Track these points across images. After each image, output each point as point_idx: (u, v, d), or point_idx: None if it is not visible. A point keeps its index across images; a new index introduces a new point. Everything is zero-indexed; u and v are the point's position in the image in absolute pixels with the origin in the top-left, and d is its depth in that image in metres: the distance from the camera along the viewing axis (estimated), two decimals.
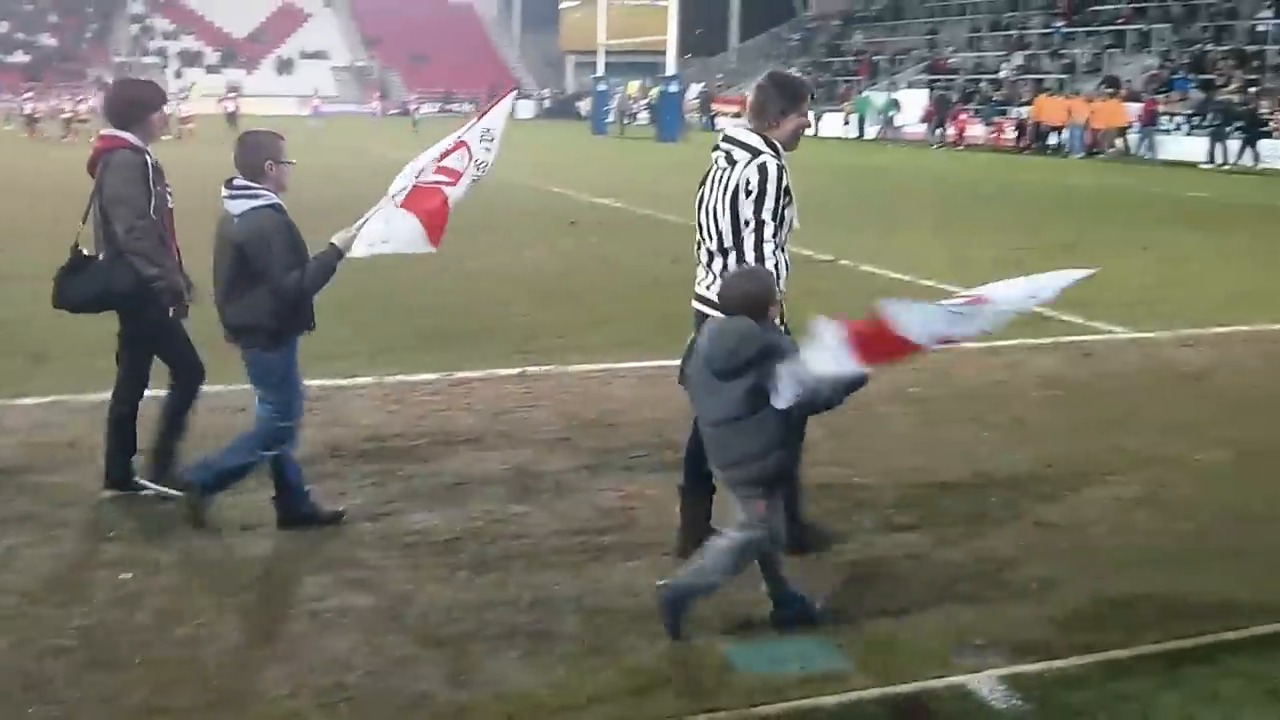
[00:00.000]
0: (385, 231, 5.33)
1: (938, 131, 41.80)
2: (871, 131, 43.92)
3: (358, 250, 5.33)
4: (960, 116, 41.61)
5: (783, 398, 4.10)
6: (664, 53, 46.63)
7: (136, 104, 5.69)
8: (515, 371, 8.24)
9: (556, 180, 22.78)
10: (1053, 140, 37.03)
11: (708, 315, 4.94)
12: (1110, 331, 9.85)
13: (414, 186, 5.41)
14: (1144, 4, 44.70)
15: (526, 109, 71.28)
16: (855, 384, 4.15)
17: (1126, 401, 7.75)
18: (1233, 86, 34.05)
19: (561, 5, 75.26)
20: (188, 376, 5.80)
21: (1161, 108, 35.44)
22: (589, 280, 12.35)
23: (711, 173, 5.02)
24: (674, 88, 45.67)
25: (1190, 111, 33.72)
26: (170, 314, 5.58)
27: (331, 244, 5.21)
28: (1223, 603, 4.74)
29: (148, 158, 5.57)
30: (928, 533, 5.42)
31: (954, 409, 7.33)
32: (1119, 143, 35.04)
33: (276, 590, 4.81)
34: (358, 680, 4.05)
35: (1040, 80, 42.40)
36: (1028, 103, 39.49)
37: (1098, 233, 16.70)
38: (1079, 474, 6.29)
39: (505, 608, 4.65)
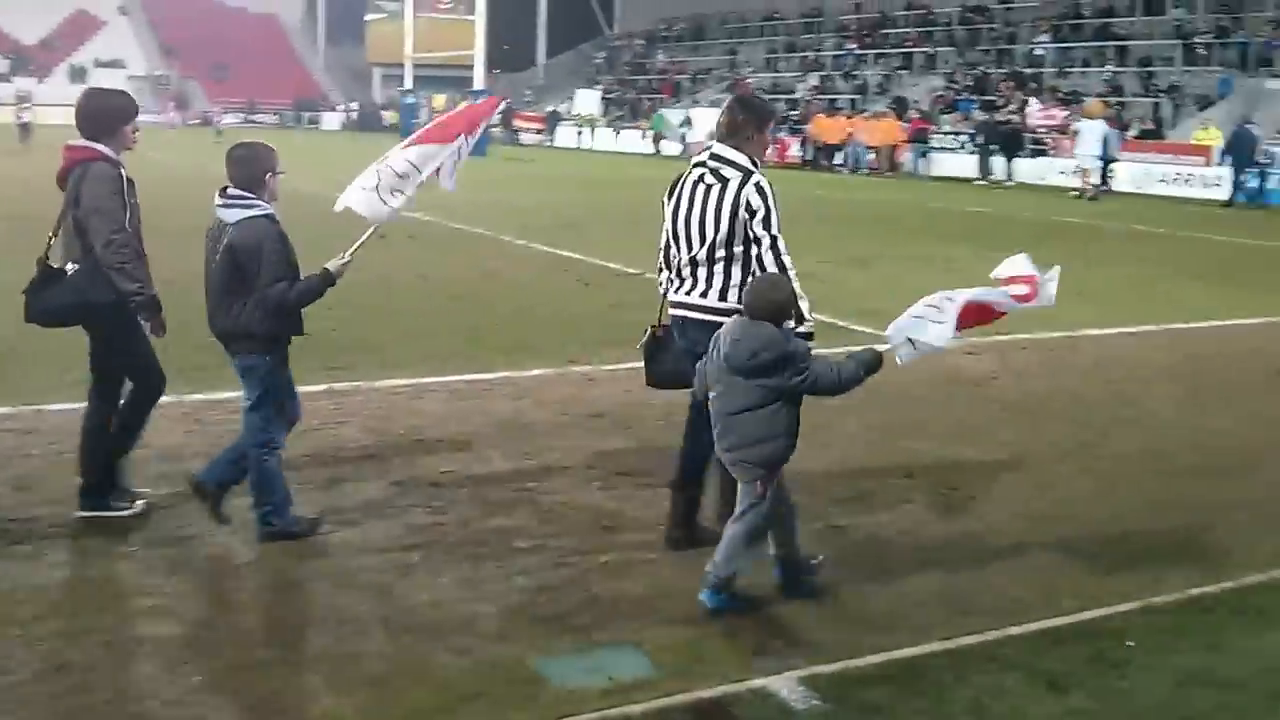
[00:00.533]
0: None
1: None
2: (675, 148, 44.64)
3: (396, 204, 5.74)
4: None
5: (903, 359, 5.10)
6: (472, 67, 46.49)
7: (112, 115, 5.48)
8: (322, 388, 8.07)
9: None
10: (838, 159, 38.19)
11: (688, 320, 5.26)
12: None
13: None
14: (930, 28, 46.79)
15: (333, 120, 69.98)
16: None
17: (918, 408, 8.10)
18: (1012, 107, 35.95)
19: (368, 17, 74.17)
20: (139, 396, 5.69)
21: (948, 126, 37.09)
22: (398, 295, 12.19)
23: (692, 187, 5.27)
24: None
25: (972, 131, 35.40)
26: (149, 329, 5.45)
27: (325, 269, 5.31)
28: (1009, 599, 5.00)
29: (122, 170, 5.40)
30: None
31: None
32: (895, 160, 36.51)
33: (66, 619, 4.60)
34: (157, 711, 3.91)
35: (834, 100, 43.84)
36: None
37: (888, 247, 17.35)
38: (873, 478, 6.55)
39: (311, 630, 4.57)
